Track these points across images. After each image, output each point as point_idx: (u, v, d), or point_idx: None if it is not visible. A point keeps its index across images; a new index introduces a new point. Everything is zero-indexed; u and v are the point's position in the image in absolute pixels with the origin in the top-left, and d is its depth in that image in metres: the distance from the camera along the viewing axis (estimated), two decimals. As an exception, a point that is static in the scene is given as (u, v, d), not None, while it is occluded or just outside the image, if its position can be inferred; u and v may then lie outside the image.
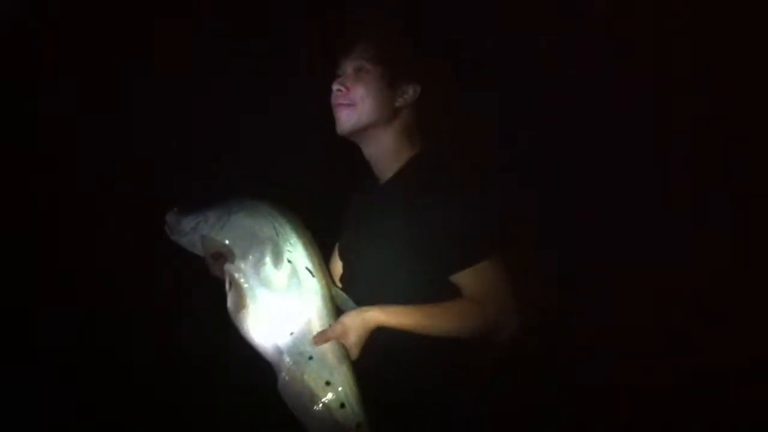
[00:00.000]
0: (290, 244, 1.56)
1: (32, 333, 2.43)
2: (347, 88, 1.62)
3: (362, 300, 1.55)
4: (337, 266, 1.75)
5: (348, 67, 1.65)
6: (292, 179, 2.30)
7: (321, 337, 1.51)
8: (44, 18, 2.44)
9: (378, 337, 1.50)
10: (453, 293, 1.53)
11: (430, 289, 1.53)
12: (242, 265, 1.55)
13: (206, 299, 1.69)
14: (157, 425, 2.40)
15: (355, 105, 1.62)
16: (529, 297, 1.55)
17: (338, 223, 1.78)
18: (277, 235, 1.56)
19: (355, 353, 1.50)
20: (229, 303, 1.54)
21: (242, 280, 1.55)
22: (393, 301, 1.52)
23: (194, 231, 1.60)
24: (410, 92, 1.63)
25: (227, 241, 1.56)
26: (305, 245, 1.57)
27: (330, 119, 1.65)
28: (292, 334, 1.53)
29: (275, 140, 2.45)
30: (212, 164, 2.46)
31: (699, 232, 2.31)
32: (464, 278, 1.52)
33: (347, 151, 1.71)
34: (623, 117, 2.35)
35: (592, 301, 2.33)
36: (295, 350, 1.52)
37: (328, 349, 1.51)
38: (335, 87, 1.64)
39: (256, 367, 1.56)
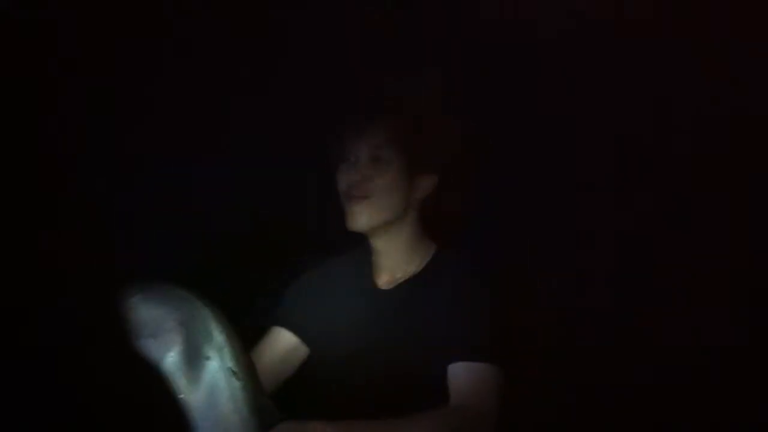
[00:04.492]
0: (208, 334, 1.20)
1: (32, 333, 2.43)
2: (364, 178, 1.47)
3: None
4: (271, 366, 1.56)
5: (362, 152, 1.48)
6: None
7: None
8: (43, 16, 2.44)
9: None
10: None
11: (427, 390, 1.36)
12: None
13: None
14: (157, 425, 2.39)
15: (371, 198, 1.46)
16: None
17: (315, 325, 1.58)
18: (193, 321, 1.20)
19: None
20: None
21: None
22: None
23: None
24: (428, 183, 1.51)
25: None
26: (228, 337, 1.21)
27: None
28: None
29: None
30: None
31: (698, 232, 2.32)
32: (471, 374, 1.33)
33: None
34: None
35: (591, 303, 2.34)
36: None
37: None
38: (353, 176, 1.47)
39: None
